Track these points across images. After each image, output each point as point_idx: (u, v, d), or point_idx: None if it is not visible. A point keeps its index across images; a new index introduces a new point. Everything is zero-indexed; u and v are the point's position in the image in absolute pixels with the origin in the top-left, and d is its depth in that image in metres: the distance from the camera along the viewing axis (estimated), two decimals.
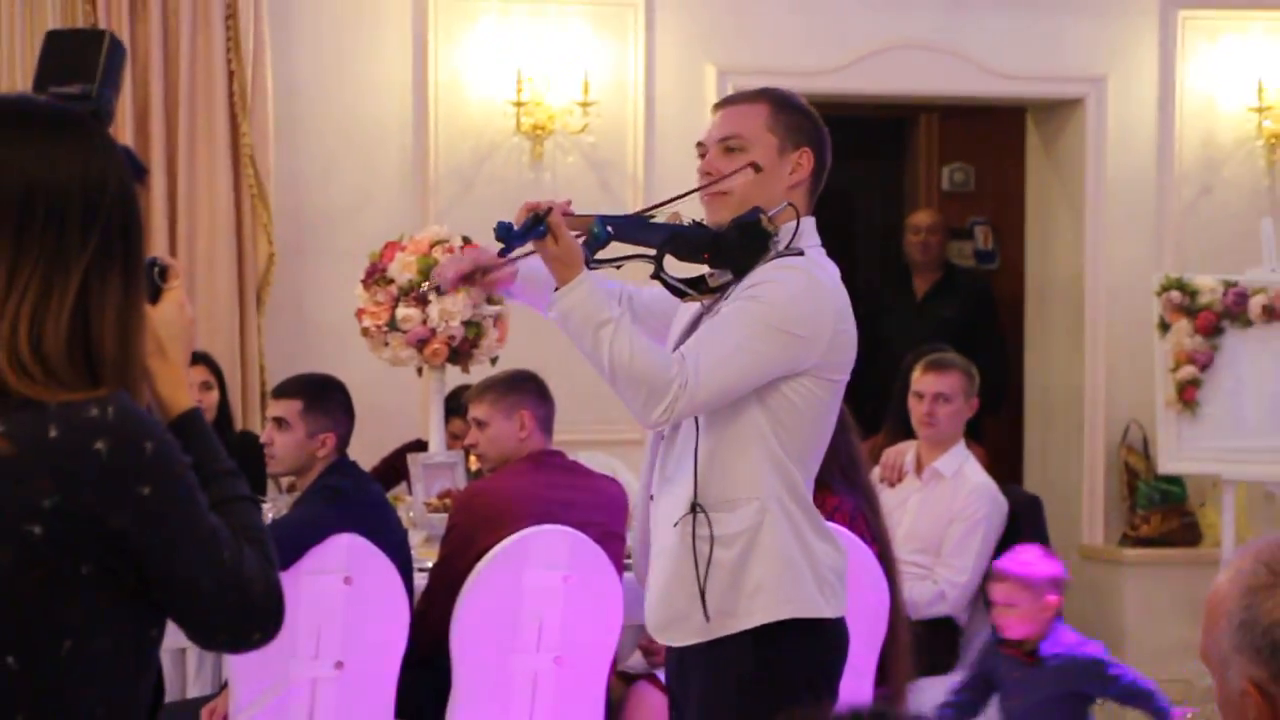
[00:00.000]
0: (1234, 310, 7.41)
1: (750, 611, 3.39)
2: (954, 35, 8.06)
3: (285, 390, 5.01)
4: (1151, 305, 7.62)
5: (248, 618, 2.24)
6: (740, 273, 3.40)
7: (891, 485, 5.73)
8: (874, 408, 6.94)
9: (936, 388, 5.69)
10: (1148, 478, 7.99)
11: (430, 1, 7.57)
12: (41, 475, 2.02)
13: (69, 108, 2.20)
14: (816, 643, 3.46)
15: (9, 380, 2.02)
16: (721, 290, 3.43)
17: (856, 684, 4.90)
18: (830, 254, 3.56)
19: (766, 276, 3.37)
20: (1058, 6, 8.12)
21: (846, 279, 3.61)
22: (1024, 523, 5.69)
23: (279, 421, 4.95)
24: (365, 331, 5.87)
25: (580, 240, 3.33)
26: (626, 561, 5.30)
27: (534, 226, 3.24)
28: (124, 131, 7.04)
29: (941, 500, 5.65)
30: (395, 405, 7.09)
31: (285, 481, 6.59)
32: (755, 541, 3.39)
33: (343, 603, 4.69)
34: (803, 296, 3.38)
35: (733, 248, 3.39)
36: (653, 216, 3.45)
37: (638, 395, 3.28)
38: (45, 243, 2.06)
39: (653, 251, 3.41)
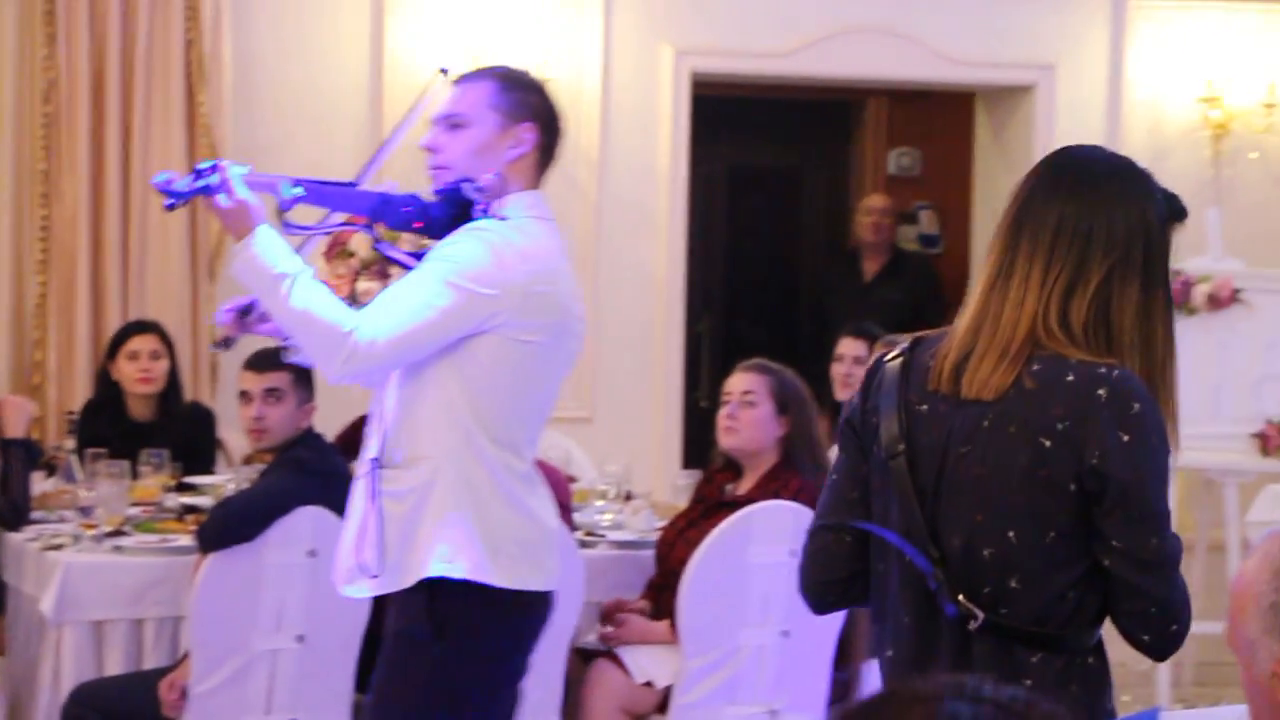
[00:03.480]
0: (1179, 298, 7.49)
1: (417, 567, 3.46)
2: (908, 20, 8.10)
3: (271, 362, 4.83)
4: None
5: (1171, 618, 2.69)
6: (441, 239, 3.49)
7: None
8: (821, 389, 7.01)
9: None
10: None
11: None
12: (1056, 405, 2.64)
13: (1112, 160, 2.89)
14: (491, 611, 3.50)
15: (1041, 338, 2.69)
16: None
17: (815, 662, 4.95)
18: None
19: (456, 239, 3.45)
20: None
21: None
22: None
23: (272, 393, 4.90)
24: None
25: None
26: (582, 537, 5.34)
27: (197, 182, 3.22)
28: (79, 98, 7.00)
29: None
30: None
31: (237, 454, 6.57)
32: (426, 499, 3.45)
33: (307, 576, 4.69)
34: (488, 255, 3.43)
35: (440, 217, 3.46)
36: (359, 184, 3.48)
37: (316, 350, 3.36)
38: (1071, 253, 2.74)
39: (364, 220, 3.47)
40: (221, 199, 3.27)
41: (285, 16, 7.49)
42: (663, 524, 5.58)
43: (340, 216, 3.53)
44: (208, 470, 6.25)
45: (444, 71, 3.69)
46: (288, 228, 3.43)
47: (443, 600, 3.45)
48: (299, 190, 3.35)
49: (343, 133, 7.55)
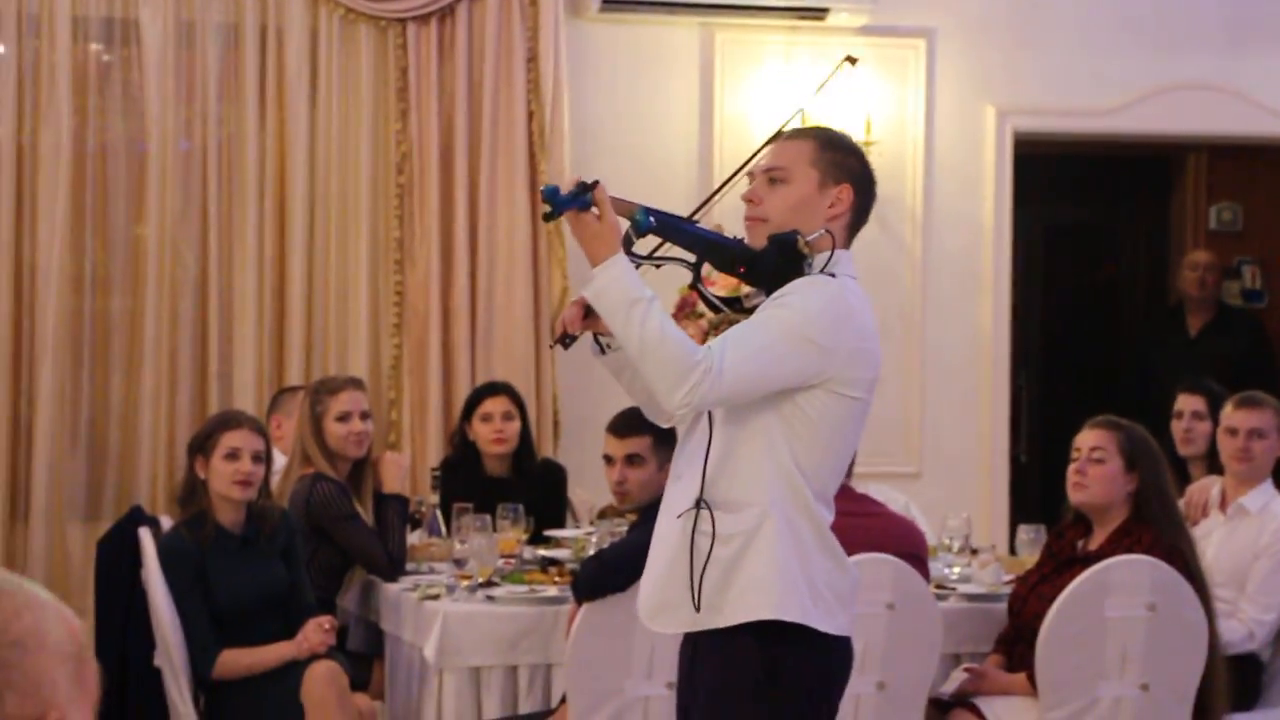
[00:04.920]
0: None
1: (736, 608, 3.47)
2: (1231, 75, 8.10)
3: (631, 427, 5.05)
4: None
5: None
6: (771, 292, 3.50)
7: (1195, 524, 5.77)
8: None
9: (1251, 423, 5.74)
10: None
11: (717, 44, 7.79)
12: None
13: None
14: (817, 654, 3.52)
15: None
16: (755, 309, 3.53)
17: (1175, 716, 4.99)
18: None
19: (796, 289, 3.47)
20: None
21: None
22: None
23: (632, 459, 5.10)
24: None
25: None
26: (934, 590, 5.44)
27: (580, 195, 3.28)
28: (429, 167, 7.35)
29: (1247, 536, 5.69)
30: None
31: (582, 510, 6.81)
32: (751, 544, 3.47)
33: None
34: (828, 308, 3.47)
35: (768, 264, 3.48)
36: (697, 220, 3.52)
37: (665, 376, 3.36)
38: None
39: (692, 257, 3.50)
40: (592, 218, 3.34)
41: (619, 88, 7.77)
42: (1010, 578, 5.67)
43: (669, 252, 3.56)
44: (558, 524, 6.49)
45: (851, 60, 3.66)
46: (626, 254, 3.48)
47: (774, 645, 3.50)
48: (652, 220, 3.44)
49: (675, 197, 7.76)
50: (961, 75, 8.00)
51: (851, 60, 3.72)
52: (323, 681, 5.24)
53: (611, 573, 4.89)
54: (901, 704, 4.99)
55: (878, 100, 7.87)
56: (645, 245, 3.55)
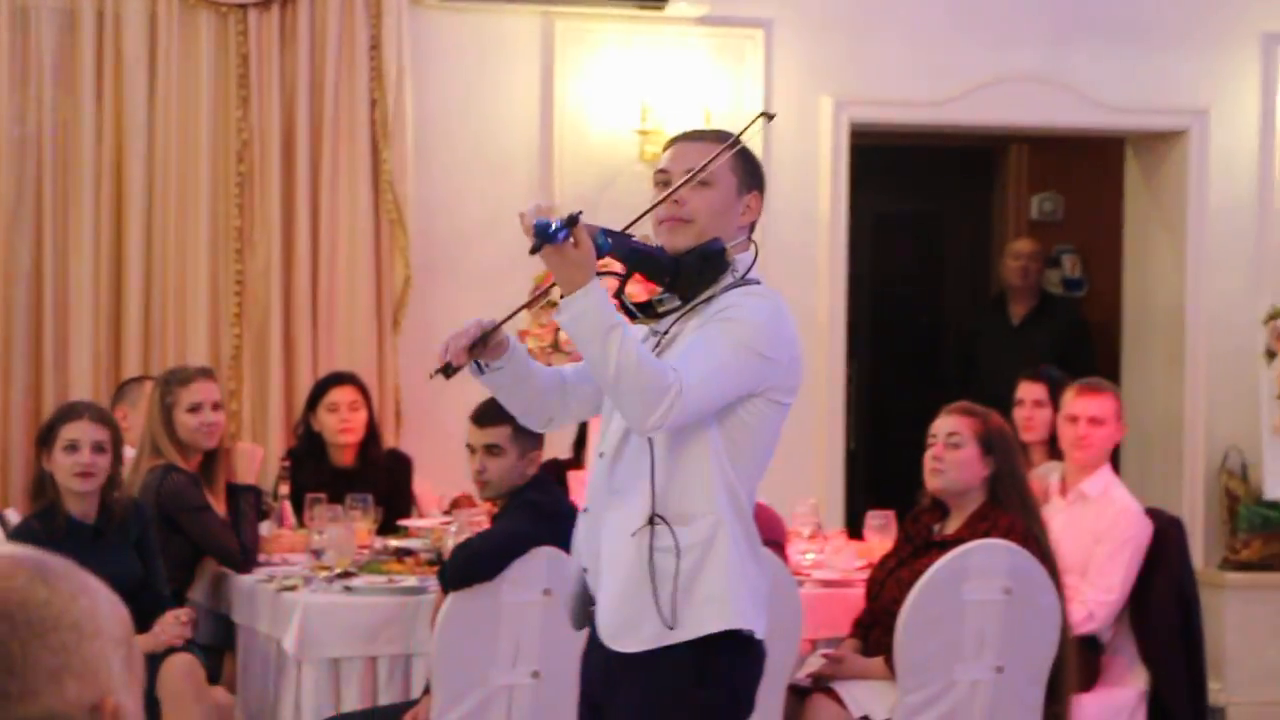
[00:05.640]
0: None
1: (699, 621, 3.52)
2: (1061, 68, 8.27)
3: (491, 417, 4.99)
4: (1254, 334, 7.82)
5: None
6: (687, 299, 3.56)
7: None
8: None
9: (1091, 410, 5.88)
10: (1248, 502, 8.18)
11: (557, 32, 7.80)
12: None
13: None
14: (747, 658, 3.61)
15: None
16: (667, 315, 3.58)
17: (1028, 697, 5.11)
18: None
19: (737, 301, 3.53)
20: (1162, 41, 8.32)
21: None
22: (1168, 544, 5.87)
23: (492, 449, 5.07)
24: (529, 353, 6.05)
25: None
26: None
27: (568, 226, 3.30)
28: (270, 156, 7.27)
29: (1086, 521, 5.83)
30: None
31: (424, 500, 6.79)
32: (708, 554, 3.52)
33: (541, 613, 4.89)
34: (772, 321, 3.55)
35: (692, 274, 3.54)
36: (631, 235, 3.56)
37: (638, 399, 3.38)
38: None
39: (621, 269, 3.54)
40: (571, 248, 3.32)
41: (461, 76, 7.74)
42: (863, 563, 5.76)
43: (604, 263, 3.54)
44: (405, 514, 6.46)
45: (769, 116, 3.73)
46: None
47: (709, 653, 3.54)
48: (610, 242, 3.46)
49: (515, 187, 7.76)
50: (798, 66, 8.08)
51: (769, 116, 3.72)
52: (179, 675, 5.18)
53: (480, 561, 4.89)
54: (762, 692, 5.02)
55: (715, 91, 7.93)
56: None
